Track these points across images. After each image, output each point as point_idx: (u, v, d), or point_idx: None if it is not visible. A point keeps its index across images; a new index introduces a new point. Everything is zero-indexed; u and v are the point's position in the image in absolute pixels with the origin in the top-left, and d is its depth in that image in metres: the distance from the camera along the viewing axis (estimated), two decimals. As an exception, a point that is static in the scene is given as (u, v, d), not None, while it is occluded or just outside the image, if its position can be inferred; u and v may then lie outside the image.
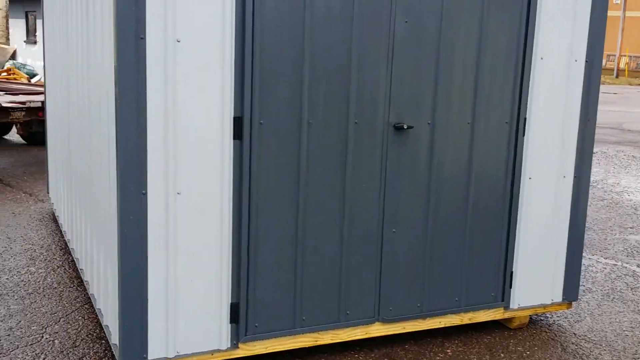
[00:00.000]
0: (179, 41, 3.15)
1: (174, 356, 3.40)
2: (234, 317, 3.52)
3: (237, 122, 3.35)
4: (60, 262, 5.27)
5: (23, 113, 8.91)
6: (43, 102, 8.85)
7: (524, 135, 4.01)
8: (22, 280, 4.85)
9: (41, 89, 10.55)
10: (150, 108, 3.14)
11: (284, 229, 3.55)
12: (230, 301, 3.50)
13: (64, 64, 5.19)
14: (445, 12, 3.71)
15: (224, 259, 3.44)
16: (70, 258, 5.38)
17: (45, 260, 5.32)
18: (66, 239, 5.54)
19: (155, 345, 3.35)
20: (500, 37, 3.87)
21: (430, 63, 3.73)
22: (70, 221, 5.23)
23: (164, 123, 3.19)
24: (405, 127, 3.67)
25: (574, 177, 4.19)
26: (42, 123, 9.42)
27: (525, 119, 4.00)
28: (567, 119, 4.10)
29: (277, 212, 3.51)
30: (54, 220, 6.48)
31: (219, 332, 3.49)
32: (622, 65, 41.18)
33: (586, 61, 4.07)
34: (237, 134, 3.36)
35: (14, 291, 4.65)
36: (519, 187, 4.06)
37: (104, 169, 3.63)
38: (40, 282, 4.83)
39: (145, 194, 3.21)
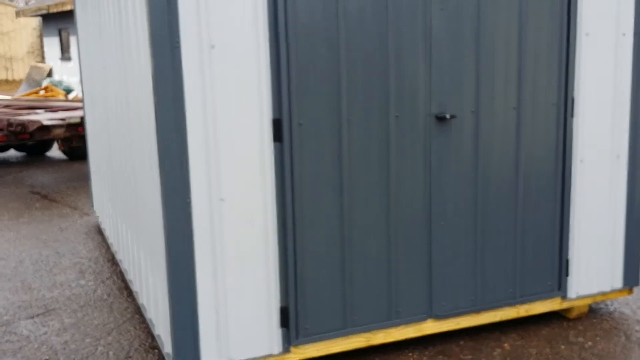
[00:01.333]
0: (213, 47, 3.10)
1: (227, 364, 3.37)
2: (284, 321, 3.47)
3: (277, 124, 3.29)
4: (109, 274, 5.30)
5: (63, 129, 9.03)
6: (82, 118, 8.96)
7: (572, 116, 3.87)
8: (74, 294, 4.89)
9: (79, 104, 10.70)
10: (188, 115, 3.11)
11: (330, 229, 3.48)
12: (279, 305, 3.44)
13: (100, 78, 5.21)
14: (483, -5, 3.59)
15: (270, 263, 3.38)
16: (118, 269, 5.40)
17: (94, 272, 5.36)
18: (113, 251, 5.57)
19: (208, 353, 3.32)
20: (542, 15, 3.73)
21: (470, 49, 3.61)
22: (116, 233, 5.25)
23: (204, 129, 3.15)
24: (447, 116, 3.56)
25: (629, 156, 4.02)
26: (82, 138, 9.55)
27: (573, 99, 3.85)
28: (617, 97, 3.94)
29: (322, 212, 3.45)
30: (100, 233, 6.53)
31: (269, 337, 3.45)
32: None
33: (635, 34, 3.90)
34: (277, 136, 3.30)
35: (66, 305, 4.68)
36: (571, 170, 3.92)
37: (147, 178, 3.61)
38: (91, 295, 4.86)
39: (189, 202, 3.18)
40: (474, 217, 3.78)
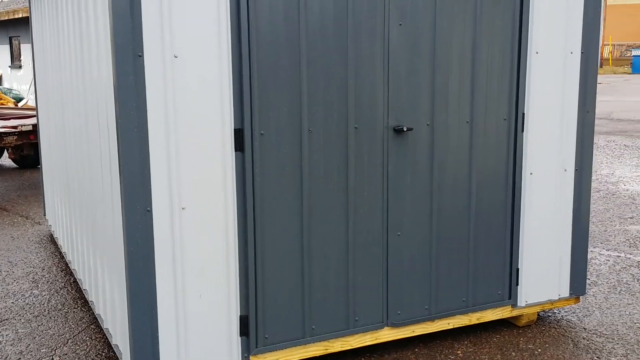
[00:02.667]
0: (176, 57, 3.14)
1: (186, 372, 3.38)
2: (244, 329, 3.50)
3: (238, 134, 3.34)
4: (63, 284, 5.24)
5: (15, 137, 8.87)
6: (34, 126, 8.82)
7: (523, 130, 4.02)
8: (27, 304, 4.82)
9: (31, 112, 10.51)
10: (150, 124, 3.13)
11: (290, 239, 3.53)
12: (239, 314, 3.48)
13: (57, 85, 5.17)
14: (439, 12, 3.71)
15: (231, 272, 3.42)
16: (72, 279, 5.34)
17: (47, 282, 5.28)
18: (67, 260, 5.50)
19: (167, 363, 3.33)
20: (495, 33, 3.88)
21: (426, 64, 3.73)
22: (71, 242, 5.19)
23: (166, 139, 3.17)
24: (404, 129, 3.67)
25: (575, 170, 4.20)
26: (34, 146, 9.39)
27: (523, 114, 4.01)
28: (565, 112, 4.12)
29: (282, 222, 3.50)
30: (53, 242, 6.43)
31: (229, 345, 3.47)
32: (605, 55, 41.44)
33: (582, 52, 4.09)
34: (239, 145, 3.35)
35: (20, 315, 4.61)
36: (521, 183, 4.07)
37: (106, 188, 3.61)
38: (45, 305, 4.79)
39: (150, 211, 3.19)
40: (429, 228, 3.89)
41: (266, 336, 3.55)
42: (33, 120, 9.02)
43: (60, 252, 6.04)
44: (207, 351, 3.41)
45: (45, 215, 6.88)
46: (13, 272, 5.54)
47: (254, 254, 3.45)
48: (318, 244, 3.61)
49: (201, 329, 3.38)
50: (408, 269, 3.86)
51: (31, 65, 15.45)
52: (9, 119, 9.70)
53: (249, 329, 3.50)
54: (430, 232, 3.89)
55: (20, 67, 21.96)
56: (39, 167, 10.71)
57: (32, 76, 14.71)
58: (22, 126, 8.82)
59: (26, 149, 9.46)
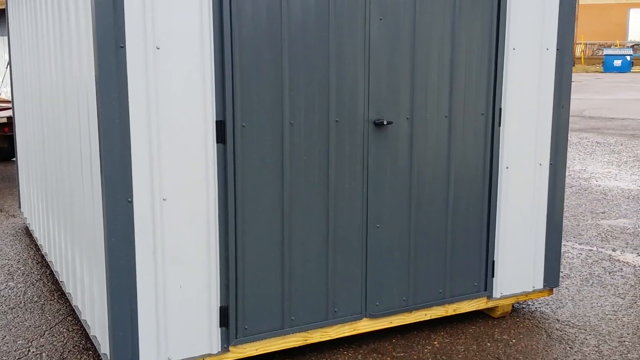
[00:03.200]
0: (158, 48, 3.14)
1: (166, 363, 3.39)
2: (224, 320, 3.52)
3: (220, 126, 3.35)
4: (39, 276, 5.20)
5: (-12, 129, 8.77)
6: (9, 118, 8.71)
7: (499, 125, 4.09)
8: (2, 296, 4.78)
9: (5, 104, 10.37)
10: (132, 116, 3.13)
11: (270, 230, 3.56)
12: (219, 305, 3.50)
13: (35, 77, 5.12)
14: (419, 7, 3.76)
15: (211, 264, 3.44)
16: (49, 271, 5.31)
17: (23, 274, 5.24)
18: (43, 252, 5.46)
19: (147, 353, 3.33)
20: (473, 30, 3.94)
21: (406, 59, 3.78)
22: (47, 235, 5.16)
23: (147, 130, 3.18)
24: (385, 122, 3.71)
25: (550, 164, 4.28)
26: (8, 139, 9.28)
27: (500, 109, 4.07)
28: (541, 108, 4.19)
29: (263, 214, 3.53)
30: (28, 234, 6.38)
31: (209, 336, 3.49)
32: (578, 53, 42.00)
33: (557, 49, 4.17)
34: (220, 137, 3.36)
35: (-6, 308, 4.58)
36: (497, 177, 4.14)
37: (86, 179, 3.60)
38: (21, 297, 4.76)
39: (131, 202, 3.20)
40: (408, 220, 3.94)
41: (246, 327, 3.57)
42: (8, 113, 8.91)
43: (36, 245, 5.99)
44: (187, 342, 3.43)
45: (20, 207, 6.82)
46: (-12, 265, 5.49)
47: (235, 246, 3.47)
48: (298, 236, 3.64)
49: (181, 319, 3.40)
50: (387, 260, 3.91)
51: (3, 58, 15.19)
52: (-19, 111, 9.56)
53: (229, 320, 3.52)
54: (409, 224, 3.94)
55: (-9, 59, 21.58)
56: (13, 160, 10.59)
57: (5, 69, 14.48)
58: (-5, 118, 8.71)
59: (0, 142, 9.35)
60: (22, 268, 5.40)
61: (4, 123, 8.74)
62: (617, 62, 36.59)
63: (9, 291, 4.88)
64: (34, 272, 5.29)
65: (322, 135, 3.61)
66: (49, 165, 4.80)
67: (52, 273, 5.26)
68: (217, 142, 3.36)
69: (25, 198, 6.40)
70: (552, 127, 4.25)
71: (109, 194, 3.16)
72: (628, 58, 36.35)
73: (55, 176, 4.61)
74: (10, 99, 12.65)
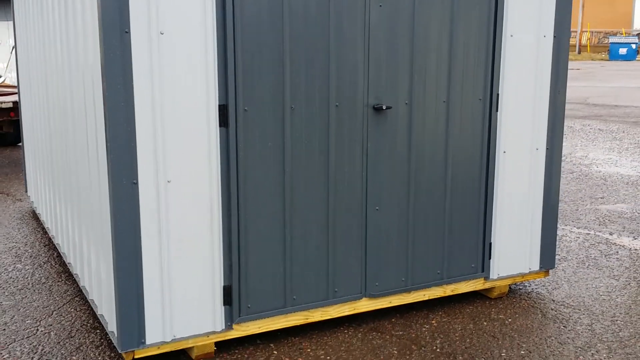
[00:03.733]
0: (162, 33, 3.23)
1: (170, 340, 3.50)
2: (227, 299, 3.63)
3: (222, 110, 3.44)
4: (46, 258, 5.32)
5: (-5, 114, 8.87)
6: (15, 103, 8.81)
7: (497, 110, 4.17)
8: (11, 277, 4.90)
9: (10, 90, 10.47)
10: (137, 100, 3.22)
11: (272, 212, 3.66)
12: (222, 284, 3.60)
13: (41, 62, 5.21)
14: (418, -6, 3.83)
15: (215, 244, 3.54)
16: (56, 254, 5.42)
17: (30, 257, 5.36)
18: (50, 235, 5.58)
19: (153, 330, 3.45)
20: (472, 16, 4.01)
21: (405, 44, 3.86)
22: (54, 217, 5.27)
23: (152, 114, 3.27)
24: (384, 107, 3.79)
25: (547, 149, 4.36)
26: (13, 124, 9.38)
27: (497, 95, 4.15)
28: (537, 93, 4.27)
29: (265, 196, 3.62)
30: (35, 218, 6.49)
31: (213, 314, 3.60)
32: (584, 41, 41.87)
33: (554, 36, 4.24)
34: (223, 121, 3.45)
35: (3, 288, 4.69)
36: (494, 161, 4.22)
37: (92, 162, 3.69)
38: (29, 278, 4.88)
39: (136, 184, 3.29)
40: (407, 203, 4.03)
41: (249, 305, 3.68)
42: (13, 98, 9.01)
43: (43, 228, 6.11)
44: (192, 320, 3.54)
45: (26, 191, 6.93)
46: (-4, 247, 5.61)
47: (237, 227, 3.57)
48: (299, 218, 3.73)
49: (186, 298, 3.50)
50: (386, 242, 4.01)
51: (7, 43, 15.25)
52: (-13, 96, 9.68)
53: (232, 299, 3.63)
54: (408, 207, 4.03)
55: (-5, 45, 21.66)
56: (18, 145, 10.70)
57: (9, 55, 14.56)
58: (2, 103, 8.80)
59: (5, 127, 9.46)
60: (29, 250, 5.52)
61: (9, 108, 8.84)
62: (623, 51, 36.55)
63: (17, 273, 5.00)
64: (41, 255, 5.41)
65: (323, 120, 3.70)
66: (55, 149, 4.90)
67: (59, 255, 5.37)
68: (220, 126, 3.45)
69: (31, 182, 6.50)
70: (549, 113, 4.33)
71: (115, 176, 3.25)
72: (633, 46, 36.32)
73: (61, 160, 4.71)
74: (15, 84, 12.74)
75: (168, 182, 3.37)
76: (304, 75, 3.60)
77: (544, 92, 4.29)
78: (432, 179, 4.08)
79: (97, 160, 3.56)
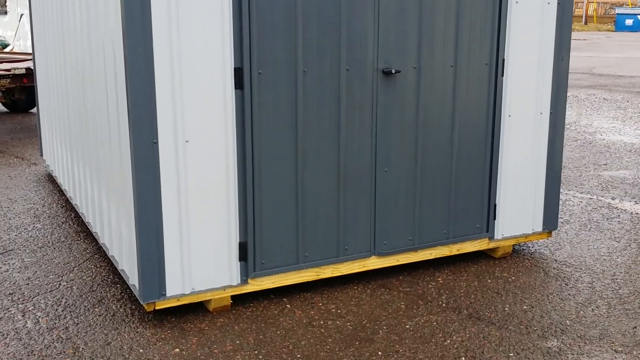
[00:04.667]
0: (181, -3, 3.35)
1: (189, 292, 3.68)
2: (243, 255, 3.79)
3: (238, 73, 3.57)
4: (64, 219, 5.49)
5: (8, 80, 8.98)
6: (28, 69, 8.92)
7: (502, 75, 4.29)
8: (31, 236, 5.08)
9: (21, 57, 10.57)
10: (156, 62, 3.35)
11: (285, 172, 3.81)
12: (238, 240, 3.76)
13: (57, 26, 5.32)
14: (427, -39, 3.93)
15: (231, 202, 3.69)
16: (74, 214, 5.60)
17: (49, 217, 5.54)
18: (68, 197, 5.75)
19: (173, 283, 3.62)
20: (479, -17, 4.11)
21: (414, 10, 3.96)
22: (72, 179, 5.43)
23: (171, 75, 3.40)
24: (393, 71, 3.92)
25: (550, 113, 4.49)
26: (25, 90, 9.50)
27: (503, 59, 4.27)
28: (542, 58, 4.38)
29: (278, 156, 3.77)
30: (51, 181, 6.66)
31: (229, 269, 3.77)
32: (590, 12, 41.55)
33: (558, 3, 4.34)
34: (238, 84, 3.59)
35: (24, 246, 4.87)
36: (500, 124, 4.35)
37: (112, 123, 3.84)
38: (48, 237, 5.06)
39: (156, 144, 3.44)
40: (414, 164, 4.17)
41: (263, 262, 3.85)
42: (26, 64, 9.12)
43: (60, 190, 6.28)
44: (209, 274, 3.71)
45: (42, 155, 7.09)
46: (14, 208, 5.78)
47: (252, 186, 3.72)
48: (311, 178, 3.88)
49: (204, 253, 3.67)
50: (394, 202, 4.16)
51: (16, 12, 15.28)
52: (1, 62, 9.78)
53: (247, 255, 3.79)
54: (415, 168, 4.18)
55: (5, 13, 21.68)
56: (30, 112, 10.84)
57: (17, 23, 14.60)
58: (15, 69, 8.92)
59: (18, 93, 9.58)
60: (47, 211, 5.69)
61: (22, 74, 8.96)
62: (629, 22, 36.34)
63: (37, 232, 5.18)
64: (59, 215, 5.59)
65: (334, 83, 3.83)
66: (73, 112, 5.04)
67: (77, 216, 5.55)
68: (235, 88, 3.59)
69: (47, 146, 6.66)
70: (553, 78, 4.45)
71: (136, 136, 3.40)
72: (639, 17, 36.09)
73: (79, 122, 4.85)
74: (24, 51, 12.83)
75: (186, 142, 3.52)
76: (315, 39, 3.72)
77: (548, 57, 4.40)
78: (439, 142, 4.22)
79: (118, 121, 3.70)
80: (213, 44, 3.47)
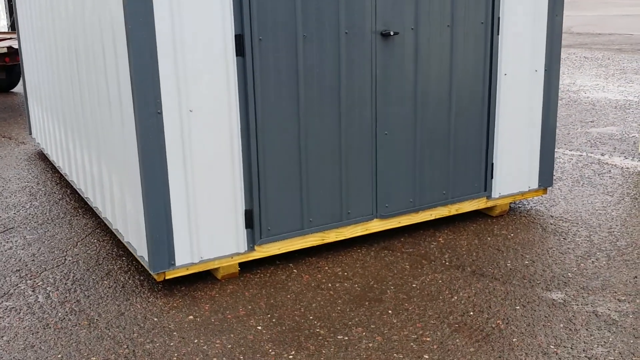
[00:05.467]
0: (179, -35, 3.32)
1: (198, 261, 3.71)
2: (249, 222, 3.83)
3: (239, 40, 3.57)
4: (61, 195, 5.48)
5: (-11, 59, 8.85)
6: (9, 48, 8.78)
7: (498, 33, 4.32)
8: (30, 214, 5.06)
9: (3, 36, 10.39)
10: (158, 31, 3.33)
11: (288, 138, 3.82)
12: (244, 208, 3.79)
13: (46, 5, 5.24)
14: None
15: (236, 170, 3.71)
16: (69, 191, 5.58)
17: (45, 194, 5.52)
18: (62, 173, 5.72)
19: (181, 253, 3.65)
20: (473, -58, 4.11)
21: (410, -28, 3.97)
22: (67, 155, 5.40)
23: (172, 45, 3.38)
24: (391, 33, 3.93)
25: (545, 70, 4.53)
26: (6, 69, 9.36)
27: (499, 18, 4.29)
28: (536, 16, 4.42)
29: (281, 123, 3.78)
30: (42, 159, 6.61)
31: (236, 237, 3.80)
32: (566, -28, 41.54)
33: (551, -38, 4.36)
34: (239, 51, 3.58)
35: (24, 223, 4.86)
36: (496, 83, 4.40)
37: (112, 96, 3.82)
38: (47, 214, 5.05)
39: (160, 114, 3.44)
40: (414, 126, 4.21)
41: (269, 228, 3.89)
42: (8, 43, 8.97)
43: (53, 167, 6.24)
44: (217, 242, 3.74)
45: (31, 134, 7.03)
46: (8, 187, 5.74)
47: (257, 154, 3.74)
48: (313, 144, 3.91)
49: (211, 222, 3.70)
50: (394, 165, 4.20)
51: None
52: (-20, 41, 9.63)
53: (253, 222, 3.83)
54: (415, 130, 4.21)
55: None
56: (12, 92, 10.69)
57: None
58: (-3, 48, 8.79)
59: (-1, 73, 9.45)
60: (42, 189, 5.67)
61: (4, 53, 8.82)
62: (604, -22, 36.30)
63: (35, 210, 5.16)
64: (55, 192, 5.56)
65: (333, 47, 3.83)
66: (65, 88, 4.99)
67: (73, 192, 5.53)
68: (237, 55, 3.58)
69: (37, 124, 6.60)
70: (547, 35, 4.49)
71: (140, 107, 3.39)
72: (615, -27, 36.06)
73: (73, 99, 4.81)
74: (5, 30, 12.58)
75: (190, 111, 3.52)
76: (314, 4, 3.72)
77: (542, 15, 4.43)
78: (438, 103, 4.25)
79: (119, 94, 3.69)
80: (213, 11, 3.46)
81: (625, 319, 3.29)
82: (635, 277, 3.76)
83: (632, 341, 3.09)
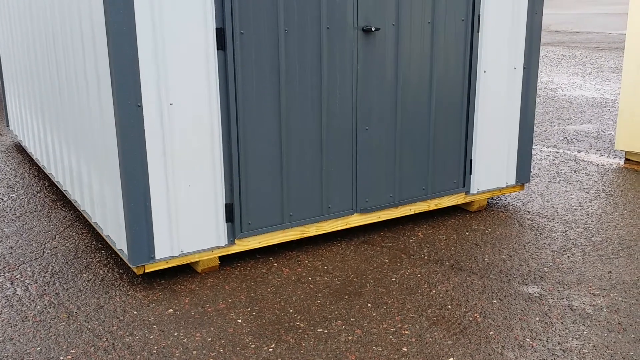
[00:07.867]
0: (161, -43, 3.30)
1: (178, 255, 3.71)
2: (229, 216, 3.83)
3: (220, 33, 3.56)
4: (39, 188, 5.43)
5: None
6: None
7: (478, 31, 4.36)
8: (7, 206, 5.02)
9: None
10: (138, 23, 3.32)
11: (269, 132, 3.83)
12: (224, 202, 3.80)
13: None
14: None
15: (216, 163, 3.71)
16: (47, 183, 5.54)
17: (23, 187, 5.47)
18: (41, 166, 5.67)
19: (161, 246, 3.64)
20: (454, -61, 4.14)
21: (391, -32, 3.99)
22: (45, 148, 5.36)
23: (152, 37, 3.37)
24: (372, 29, 3.95)
25: (524, 68, 4.59)
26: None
27: (479, 16, 4.33)
28: (516, 14, 4.46)
29: (262, 116, 3.79)
30: (20, 151, 6.55)
31: (216, 230, 3.81)
32: (545, -30, 41.90)
33: (530, -39, 4.41)
34: (220, 44, 3.58)
35: (2, 216, 4.82)
36: (475, 80, 4.44)
37: (91, 88, 3.79)
38: (25, 207, 5.01)
39: (140, 107, 3.42)
40: (394, 122, 4.24)
41: (249, 222, 3.90)
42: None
43: (31, 160, 6.19)
44: (197, 236, 3.74)
45: (8, 126, 6.95)
46: (-14, 180, 5.69)
47: (237, 147, 3.75)
48: (294, 137, 3.92)
49: (191, 215, 3.70)
50: (375, 160, 4.23)
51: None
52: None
53: (234, 216, 3.83)
54: (395, 126, 4.25)
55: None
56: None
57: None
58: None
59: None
60: (20, 181, 5.62)
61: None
62: (582, -23, 36.67)
63: (12, 202, 5.12)
64: (33, 185, 5.52)
65: (315, 42, 3.85)
66: (43, 81, 4.95)
67: (51, 184, 5.49)
68: (218, 49, 3.58)
69: (14, 116, 6.53)
70: (526, 33, 4.54)
71: (120, 99, 3.38)
72: (593, -28, 36.44)
73: (51, 91, 4.77)
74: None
75: (170, 104, 3.51)
76: (297, -2, 3.73)
77: (522, 12, 4.48)
78: (418, 99, 4.29)
79: (98, 86, 3.67)
80: (194, 4, 3.45)
81: (600, 313, 3.35)
82: (610, 272, 3.83)
83: (605, 334, 3.15)
